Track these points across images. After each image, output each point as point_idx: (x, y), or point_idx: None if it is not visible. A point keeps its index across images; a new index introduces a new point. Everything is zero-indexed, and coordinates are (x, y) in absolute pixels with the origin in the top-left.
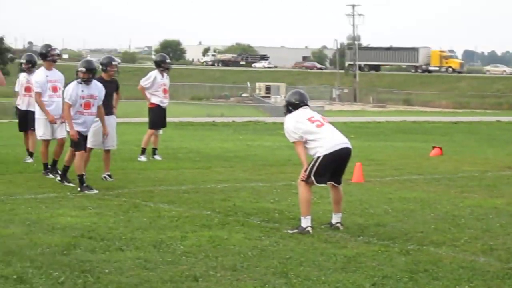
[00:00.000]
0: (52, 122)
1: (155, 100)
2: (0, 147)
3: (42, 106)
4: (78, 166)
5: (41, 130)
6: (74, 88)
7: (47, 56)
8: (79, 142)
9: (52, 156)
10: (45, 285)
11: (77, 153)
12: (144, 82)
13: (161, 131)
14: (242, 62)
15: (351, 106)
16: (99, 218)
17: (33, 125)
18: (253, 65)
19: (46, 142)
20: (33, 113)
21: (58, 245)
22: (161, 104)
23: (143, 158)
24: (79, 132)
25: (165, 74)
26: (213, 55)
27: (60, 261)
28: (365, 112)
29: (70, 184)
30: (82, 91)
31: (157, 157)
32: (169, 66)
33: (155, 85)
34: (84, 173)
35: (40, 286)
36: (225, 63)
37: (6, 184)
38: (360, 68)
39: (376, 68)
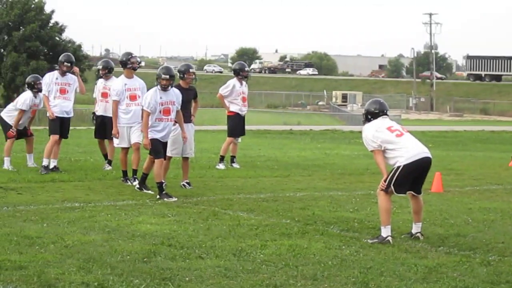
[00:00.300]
0: (114, 135)
1: (234, 108)
2: (79, 154)
3: (115, 115)
4: (158, 173)
5: (117, 138)
6: (152, 96)
7: (127, 64)
8: (158, 149)
9: (132, 166)
10: None
11: (156, 160)
12: (223, 90)
13: (239, 139)
14: (288, 70)
15: (427, 115)
16: (179, 225)
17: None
18: (297, 72)
19: (125, 149)
20: (109, 118)
21: (138, 253)
22: (240, 112)
23: (221, 166)
24: (158, 140)
25: (243, 82)
26: (260, 63)
27: (141, 269)
28: (442, 121)
29: (149, 192)
30: (161, 97)
31: (235, 165)
32: (248, 74)
33: (234, 93)
34: (163, 181)
35: None
36: (272, 70)
37: (86, 191)
38: (481, 78)
39: (498, 78)
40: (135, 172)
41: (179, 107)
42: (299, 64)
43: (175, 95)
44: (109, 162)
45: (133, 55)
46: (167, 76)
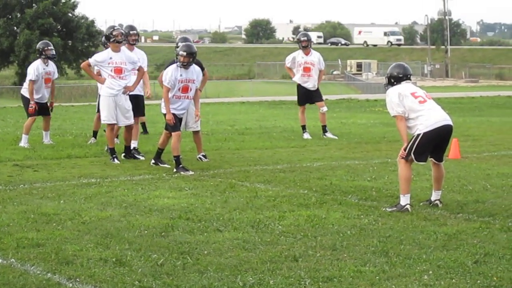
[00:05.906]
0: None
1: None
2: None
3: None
4: (175, 147)
5: (104, 112)
6: (173, 72)
7: (110, 37)
8: (176, 124)
9: (124, 143)
10: (144, 267)
11: (173, 134)
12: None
13: (325, 108)
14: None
15: (442, 82)
16: (196, 199)
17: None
18: None
19: (111, 126)
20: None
21: (156, 227)
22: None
23: (306, 136)
24: (175, 115)
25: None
26: None
27: (159, 243)
28: (458, 87)
29: (166, 165)
30: (181, 75)
31: (328, 135)
32: (308, 43)
33: (296, 64)
34: (180, 155)
35: (140, 268)
36: None
37: (102, 167)
38: None
39: None
40: (128, 149)
41: (199, 85)
42: None
43: (195, 73)
44: (94, 135)
45: (115, 28)
46: (184, 53)
